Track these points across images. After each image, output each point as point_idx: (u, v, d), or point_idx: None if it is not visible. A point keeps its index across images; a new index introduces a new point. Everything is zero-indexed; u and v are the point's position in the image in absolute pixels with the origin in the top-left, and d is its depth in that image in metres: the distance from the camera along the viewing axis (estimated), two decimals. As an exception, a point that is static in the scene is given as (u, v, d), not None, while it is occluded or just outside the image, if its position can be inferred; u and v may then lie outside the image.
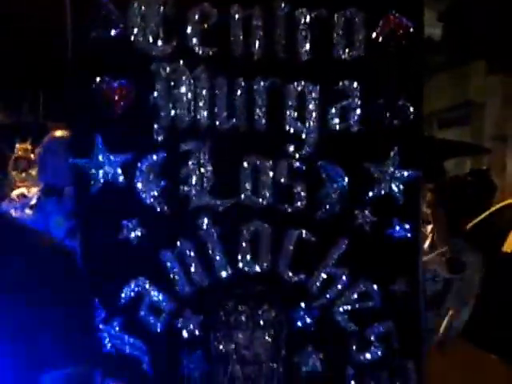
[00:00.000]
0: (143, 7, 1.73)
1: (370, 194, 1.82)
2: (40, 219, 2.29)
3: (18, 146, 7.04)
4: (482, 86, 8.25)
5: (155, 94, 1.74)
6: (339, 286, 1.82)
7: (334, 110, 1.80)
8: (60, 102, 1.90)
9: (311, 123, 1.78)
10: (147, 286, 1.72)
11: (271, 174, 1.76)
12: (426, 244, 3.04)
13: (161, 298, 1.72)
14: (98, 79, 1.73)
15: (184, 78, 1.76)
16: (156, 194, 1.73)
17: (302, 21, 1.77)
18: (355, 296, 1.83)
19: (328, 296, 1.81)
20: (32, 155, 6.64)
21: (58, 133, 2.45)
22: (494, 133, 8.35)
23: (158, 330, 1.72)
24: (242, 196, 1.74)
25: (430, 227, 3.08)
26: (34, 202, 2.42)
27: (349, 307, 1.82)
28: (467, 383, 2.48)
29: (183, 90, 1.76)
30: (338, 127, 1.81)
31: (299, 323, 1.80)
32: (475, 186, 3.02)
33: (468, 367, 2.47)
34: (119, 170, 1.73)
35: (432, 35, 7.94)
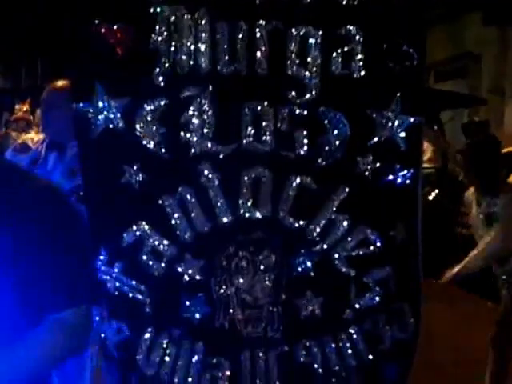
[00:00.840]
0: None
1: (372, 140, 1.82)
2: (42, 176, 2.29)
3: (17, 107, 7.02)
4: (478, 38, 8.17)
5: (155, 37, 1.72)
6: (339, 232, 1.84)
7: (336, 56, 1.79)
8: (58, 65, 1.84)
9: (313, 69, 1.77)
10: (148, 230, 1.74)
11: (273, 120, 1.73)
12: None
13: (162, 242, 1.73)
14: (97, 23, 1.68)
15: (184, 21, 1.74)
16: (157, 139, 1.72)
17: None
18: (355, 242, 1.85)
19: (328, 242, 1.84)
20: (31, 116, 6.63)
21: (58, 83, 2.42)
22: (491, 85, 8.30)
23: (159, 274, 1.75)
24: (244, 142, 1.73)
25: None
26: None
27: (348, 253, 1.85)
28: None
29: (184, 33, 1.74)
30: (340, 73, 1.79)
31: (299, 268, 1.83)
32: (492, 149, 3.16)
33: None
34: (119, 116, 1.71)
35: None
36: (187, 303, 1.77)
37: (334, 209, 1.82)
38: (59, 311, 1.23)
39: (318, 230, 1.83)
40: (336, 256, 1.84)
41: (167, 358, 1.78)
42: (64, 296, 1.23)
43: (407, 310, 1.89)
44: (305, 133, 1.79)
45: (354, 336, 1.86)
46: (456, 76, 8.97)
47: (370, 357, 1.88)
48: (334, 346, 1.86)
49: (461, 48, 8.77)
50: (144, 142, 1.74)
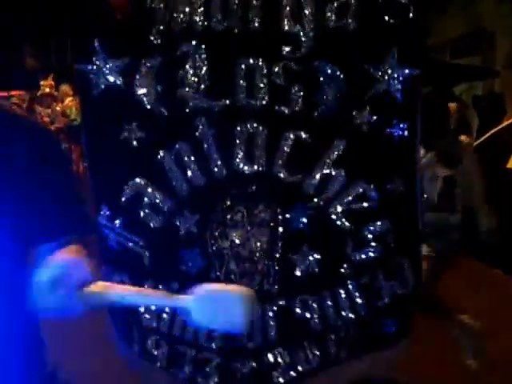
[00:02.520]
0: None
1: (368, 93, 1.84)
2: None
3: (42, 82, 7.31)
4: (492, 14, 7.96)
5: None
6: (336, 187, 1.87)
7: (330, 9, 1.81)
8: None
9: (307, 23, 1.78)
10: (146, 185, 1.81)
11: (267, 75, 1.75)
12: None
13: (159, 197, 1.78)
14: None
15: None
16: (154, 97, 1.77)
17: None
18: (352, 196, 1.88)
19: (324, 196, 1.87)
20: (56, 92, 6.87)
21: None
22: (506, 61, 8.06)
23: (157, 228, 1.80)
24: (237, 97, 1.75)
25: None
26: None
27: (345, 207, 1.88)
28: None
29: None
30: (334, 26, 1.81)
31: (295, 223, 1.88)
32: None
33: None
34: (119, 75, 1.77)
35: None
36: (184, 256, 1.83)
37: (330, 163, 1.83)
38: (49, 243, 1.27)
39: (314, 184, 1.87)
40: (332, 211, 1.85)
41: (166, 309, 1.82)
42: (54, 228, 1.27)
43: (407, 265, 1.88)
44: (299, 88, 1.81)
45: (352, 291, 1.87)
46: (471, 53, 8.77)
47: (369, 312, 1.85)
48: (331, 300, 1.87)
49: (475, 25, 8.55)
50: (142, 99, 1.81)
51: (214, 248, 1.86)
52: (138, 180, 1.86)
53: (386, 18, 1.81)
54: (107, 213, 1.88)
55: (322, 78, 1.83)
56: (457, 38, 8.80)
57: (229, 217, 1.86)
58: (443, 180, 2.95)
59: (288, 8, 1.82)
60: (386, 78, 1.84)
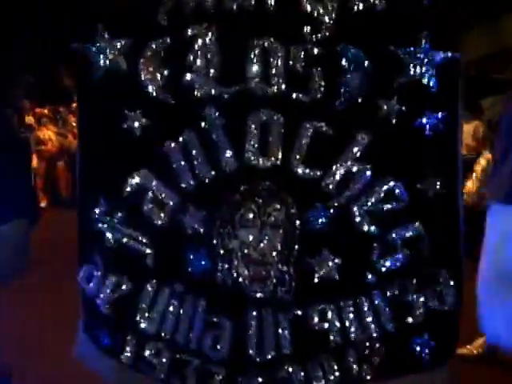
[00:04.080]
0: None
1: (397, 80, 1.68)
2: None
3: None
4: None
5: None
6: (360, 184, 1.70)
7: None
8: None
9: (330, 2, 1.60)
10: (150, 178, 1.66)
11: (284, 59, 1.58)
12: None
13: (164, 191, 1.63)
14: None
15: None
16: (160, 82, 1.64)
17: None
18: (377, 195, 1.71)
19: (347, 194, 1.70)
20: None
21: None
22: None
23: (161, 225, 1.66)
24: (250, 83, 1.59)
25: None
26: None
27: (370, 208, 1.71)
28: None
29: None
30: (360, 6, 1.66)
31: (313, 224, 1.71)
32: None
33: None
34: (122, 57, 1.63)
35: None
36: (189, 256, 1.68)
37: (354, 158, 1.66)
38: None
39: (335, 181, 1.70)
40: (356, 211, 1.67)
41: (169, 315, 1.65)
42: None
43: (444, 277, 1.65)
44: (320, 73, 1.69)
45: (377, 302, 1.65)
46: (496, 71, 8.52)
47: (397, 327, 1.64)
48: (353, 311, 1.68)
49: (501, 43, 8.32)
50: (146, 85, 1.68)
51: (222, 248, 1.69)
52: (140, 172, 1.71)
53: None
54: (105, 207, 1.73)
55: (345, 63, 1.67)
56: (482, 56, 8.57)
57: (239, 215, 1.70)
58: None
59: (309, -15, 1.63)
60: (418, 62, 1.65)
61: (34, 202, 1.25)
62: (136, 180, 1.71)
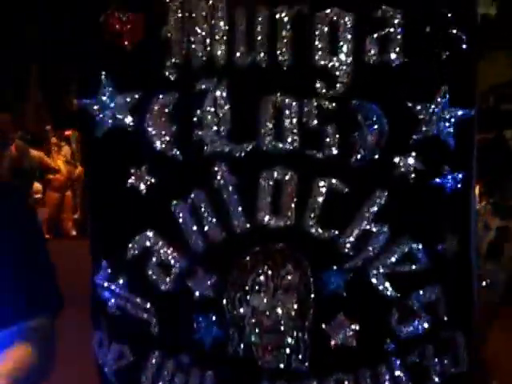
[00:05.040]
0: None
1: (414, 137, 1.63)
2: None
3: None
4: None
5: (167, 27, 1.65)
6: (377, 245, 1.64)
7: (371, 41, 1.64)
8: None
9: (344, 56, 1.62)
10: (156, 240, 1.57)
11: (297, 115, 1.52)
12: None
13: (171, 254, 1.53)
14: (106, 12, 1.54)
15: (199, 8, 1.64)
16: (167, 138, 1.59)
17: None
18: (396, 256, 1.64)
19: (363, 256, 1.64)
20: None
21: None
22: None
23: (167, 291, 1.56)
24: (263, 140, 1.52)
25: None
26: None
27: (388, 270, 1.64)
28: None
29: (198, 22, 1.64)
30: (375, 61, 1.62)
31: (329, 287, 1.63)
32: None
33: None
34: (127, 112, 1.55)
35: (488, 14, 8.01)
36: (197, 324, 1.57)
37: (370, 217, 1.61)
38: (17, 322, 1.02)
39: (352, 241, 1.64)
40: (373, 273, 1.61)
41: None
42: (20, 303, 1.02)
43: (460, 339, 1.57)
44: (335, 129, 1.64)
45: (397, 371, 1.56)
46: None
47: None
48: (371, 380, 1.55)
49: None
50: (153, 141, 1.61)
51: (233, 315, 1.58)
52: (146, 233, 1.62)
53: (436, 50, 1.59)
54: (108, 271, 1.62)
55: (360, 119, 1.62)
56: (503, 84, 8.65)
57: (251, 279, 1.61)
58: (496, 231, 2.69)
59: (322, 39, 1.61)
60: (435, 119, 1.62)
61: (58, 293, 1.18)
62: (140, 242, 1.62)
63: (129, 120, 1.62)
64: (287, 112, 1.60)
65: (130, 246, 1.61)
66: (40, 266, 1.13)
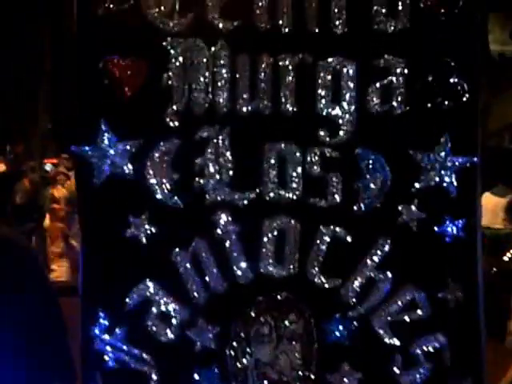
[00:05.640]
0: None
1: (417, 185, 1.65)
2: None
3: None
4: None
5: (169, 74, 1.65)
6: (380, 293, 1.64)
7: (373, 90, 1.66)
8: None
9: (347, 105, 1.64)
10: (156, 290, 1.55)
11: (300, 163, 1.51)
12: None
13: (171, 304, 1.51)
14: (105, 57, 1.50)
15: (201, 55, 1.62)
16: (168, 186, 1.58)
17: None
18: (399, 305, 1.64)
19: (367, 305, 1.63)
20: None
21: None
22: None
23: (168, 342, 1.55)
24: (266, 188, 1.53)
25: None
26: None
27: (391, 318, 1.63)
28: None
29: (200, 69, 1.62)
30: (378, 109, 1.64)
31: (333, 337, 1.62)
32: None
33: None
34: (127, 160, 1.53)
35: (504, 52, 8.16)
36: (198, 377, 1.53)
37: (374, 265, 1.61)
38: None
39: (355, 290, 1.64)
40: (376, 322, 1.62)
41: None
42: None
43: None
44: (338, 177, 1.64)
45: (401, 420, 1.52)
46: None
47: None
48: (375, 431, 1.52)
49: None
50: (154, 189, 1.58)
51: (236, 367, 1.57)
52: (146, 283, 1.58)
53: (438, 100, 1.60)
54: (106, 323, 1.57)
55: (363, 167, 1.62)
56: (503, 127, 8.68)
57: (254, 329, 1.59)
58: None
59: (325, 88, 1.61)
60: (437, 167, 1.63)
61: (71, 367, 1.13)
62: (140, 292, 1.58)
63: (128, 168, 1.59)
64: (290, 160, 1.60)
65: (130, 296, 1.58)
66: (53, 338, 1.09)
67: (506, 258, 4.52)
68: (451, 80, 1.61)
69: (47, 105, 12.15)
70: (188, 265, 1.58)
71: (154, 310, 1.58)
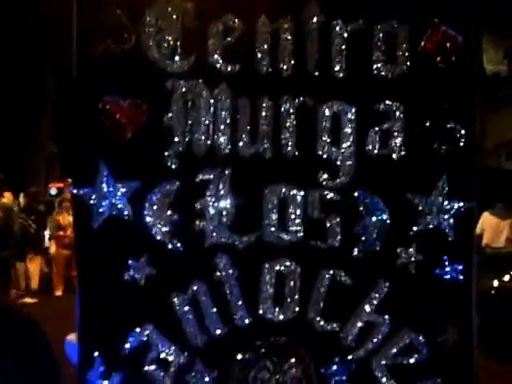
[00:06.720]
0: (159, 18, 1.63)
1: (415, 228, 1.66)
2: None
3: None
4: None
5: (170, 115, 1.66)
6: (379, 337, 1.64)
7: (372, 134, 1.67)
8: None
9: (347, 148, 1.67)
10: (154, 334, 1.52)
11: (301, 205, 1.51)
12: None
13: (169, 349, 1.48)
14: (105, 98, 1.48)
15: (203, 97, 1.63)
16: (167, 228, 1.57)
17: (338, 34, 1.63)
18: (398, 348, 1.64)
19: (366, 348, 1.63)
20: None
21: None
22: None
23: None
24: (266, 231, 1.53)
25: None
26: None
27: (390, 362, 1.64)
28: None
29: (201, 111, 1.63)
30: (377, 153, 1.66)
31: (332, 380, 1.61)
32: None
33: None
34: (126, 201, 1.51)
35: (498, 71, 8.28)
36: None
37: (373, 308, 1.59)
38: None
39: (354, 333, 1.64)
40: (375, 365, 1.61)
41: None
42: None
43: None
44: (338, 220, 1.65)
45: None
46: None
47: None
48: None
49: None
50: (153, 232, 1.56)
51: (235, 413, 1.52)
52: (144, 327, 1.56)
53: (435, 144, 1.61)
54: (102, 368, 1.55)
55: (362, 210, 1.62)
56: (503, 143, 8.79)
57: (253, 374, 1.57)
58: None
59: (325, 131, 1.63)
60: (435, 211, 1.64)
61: None
62: (138, 336, 1.56)
63: (128, 210, 1.58)
64: (291, 202, 1.61)
65: (127, 340, 1.56)
66: None
67: (505, 279, 4.50)
68: (448, 125, 1.64)
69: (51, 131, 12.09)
70: (187, 308, 1.58)
71: (152, 354, 1.57)
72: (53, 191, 10.10)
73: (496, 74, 8.28)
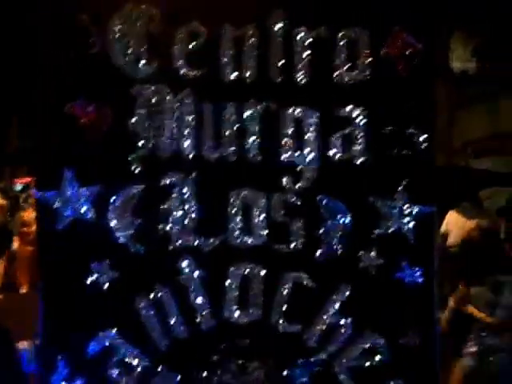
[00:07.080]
0: (124, 24, 1.65)
1: (376, 232, 1.69)
2: None
3: None
4: None
5: (134, 119, 1.66)
6: (341, 339, 1.65)
7: (335, 139, 1.69)
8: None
9: (309, 153, 1.69)
10: (118, 338, 1.54)
11: (264, 209, 1.53)
12: None
13: (133, 352, 1.48)
14: (70, 102, 1.50)
15: (167, 102, 1.64)
16: (131, 232, 1.52)
17: (301, 41, 1.65)
18: (360, 350, 1.66)
19: (329, 350, 1.65)
20: None
21: None
22: None
23: None
24: (231, 234, 1.51)
25: None
26: None
27: (352, 363, 1.65)
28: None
29: (166, 115, 1.64)
30: (339, 158, 1.68)
31: (295, 382, 1.62)
32: None
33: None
34: (90, 205, 1.51)
35: (467, 69, 8.34)
36: None
37: (335, 311, 1.61)
38: None
39: (317, 335, 1.66)
40: (338, 367, 1.62)
41: None
42: None
43: None
44: (300, 224, 1.66)
45: None
46: (494, 153, 8.92)
47: None
48: None
49: (499, 126, 8.80)
50: (116, 235, 1.59)
51: (199, 416, 1.52)
52: (107, 331, 1.57)
53: (396, 149, 1.64)
54: (65, 372, 1.55)
55: (325, 213, 1.64)
56: (481, 138, 8.89)
57: (217, 376, 1.55)
58: None
59: (288, 136, 1.65)
60: (396, 215, 1.66)
61: None
62: (101, 340, 1.55)
63: (91, 213, 1.58)
64: (255, 206, 1.63)
65: (90, 344, 1.56)
66: None
67: None
68: (409, 130, 1.67)
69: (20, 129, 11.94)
70: (150, 311, 1.58)
71: (116, 358, 1.57)
72: (18, 187, 9.94)
73: (464, 72, 8.37)
